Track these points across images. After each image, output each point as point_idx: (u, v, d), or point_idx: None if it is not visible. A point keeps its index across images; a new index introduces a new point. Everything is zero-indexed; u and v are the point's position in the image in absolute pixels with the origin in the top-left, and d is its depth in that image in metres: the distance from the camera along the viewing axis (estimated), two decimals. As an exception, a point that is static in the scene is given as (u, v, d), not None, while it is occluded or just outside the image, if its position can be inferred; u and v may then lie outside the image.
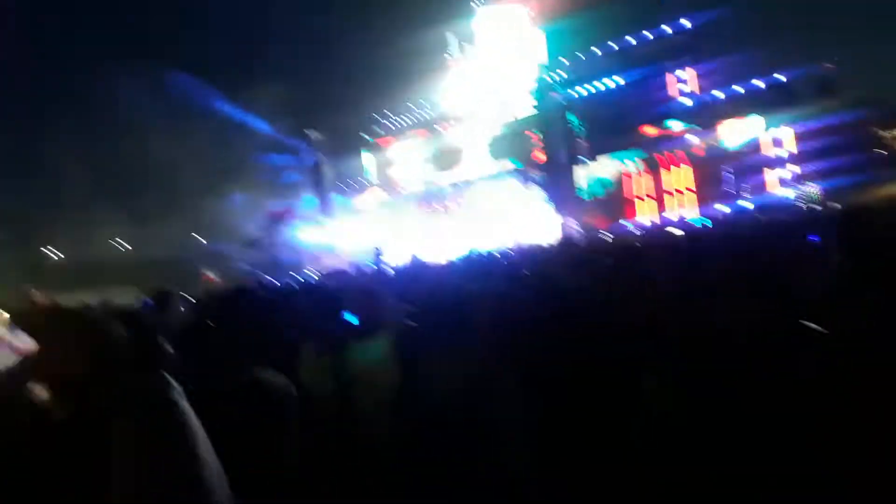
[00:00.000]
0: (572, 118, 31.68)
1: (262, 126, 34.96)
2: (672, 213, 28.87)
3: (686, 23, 29.50)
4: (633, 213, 30.26)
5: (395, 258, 17.51)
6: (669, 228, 15.76)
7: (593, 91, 31.87)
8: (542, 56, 33.75)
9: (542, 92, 31.44)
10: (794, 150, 27.33)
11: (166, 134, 30.08)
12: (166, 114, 30.55)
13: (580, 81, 31.99)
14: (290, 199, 33.74)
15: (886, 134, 33.22)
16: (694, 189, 29.05)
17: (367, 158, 40.02)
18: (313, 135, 36.93)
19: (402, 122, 38.44)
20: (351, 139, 39.43)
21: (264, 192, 32.97)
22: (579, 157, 31.59)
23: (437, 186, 36.21)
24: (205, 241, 31.56)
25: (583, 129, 31.88)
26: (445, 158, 35.84)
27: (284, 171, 35.77)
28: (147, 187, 33.17)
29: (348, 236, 35.50)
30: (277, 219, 20.43)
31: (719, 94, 29.30)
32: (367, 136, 39.59)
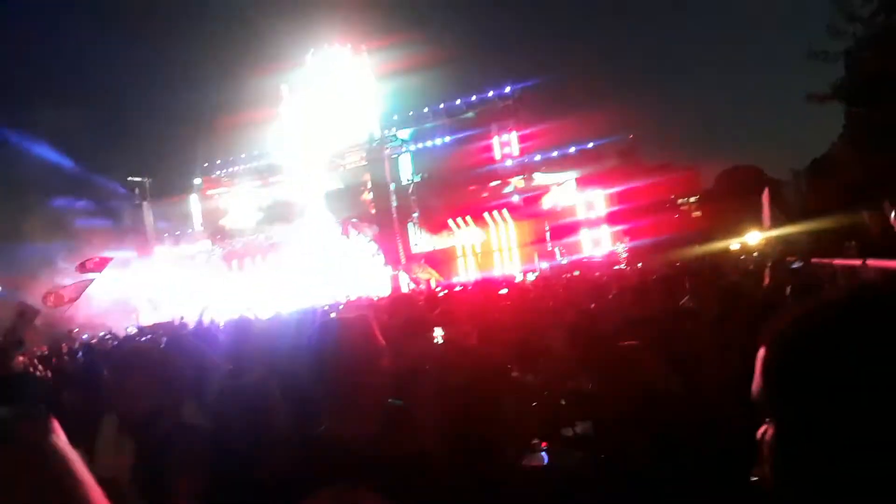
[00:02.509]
0: (403, 174, 32.64)
1: (77, 169, 32.75)
2: (497, 268, 30.36)
3: (508, 89, 31.58)
4: (461, 268, 31.44)
5: (223, 312, 16.96)
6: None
7: (423, 147, 33.08)
8: (376, 107, 34.33)
9: (374, 144, 32.12)
10: (604, 211, 29.90)
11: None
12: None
13: (412, 137, 33.11)
14: (107, 247, 31.63)
15: (682, 200, 37.15)
16: (516, 246, 30.81)
17: (195, 206, 38.48)
18: (137, 179, 35.18)
19: (234, 171, 37.53)
20: (178, 186, 37.85)
21: (77, 239, 30.68)
22: (412, 212, 32.50)
23: (268, 237, 35.53)
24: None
25: (414, 184, 32.90)
26: (279, 210, 35.30)
27: (102, 217, 33.56)
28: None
29: (172, 287, 33.79)
30: (91, 268, 18.99)
31: (538, 157, 31.54)
32: (196, 183, 38.13)
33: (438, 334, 4.48)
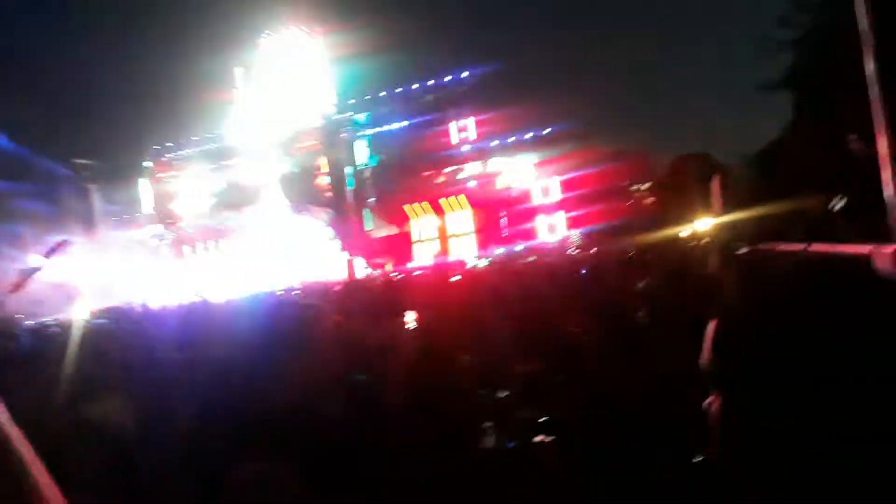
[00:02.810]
0: (359, 158, 32.40)
1: (19, 149, 31.61)
2: (453, 254, 30.41)
3: (465, 74, 31.50)
4: (417, 254, 31.42)
5: (174, 297, 16.67)
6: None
7: (379, 131, 32.85)
8: (331, 91, 33.96)
9: (330, 129, 31.76)
10: (559, 197, 30.15)
11: None
12: None
13: (368, 122, 32.83)
14: (51, 231, 30.64)
15: (635, 188, 37.72)
16: (473, 232, 30.92)
17: (145, 189, 37.56)
18: (83, 162, 34.15)
19: (186, 154, 36.72)
20: (127, 168, 36.86)
21: (22, 222, 29.66)
22: (367, 197, 32.30)
23: (220, 221, 34.93)
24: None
25: (370, 169, 32.68)
26: (232, 194, 34.69)
27: (46, 200, 32.49)
28: None
29: (121, 272, 32.99)
30: (56, 252, 18.61)
31: (494, 143, 31.60)
32: (146, 166, 37.20)
33: (408, 318, 4.51)
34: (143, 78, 37.33)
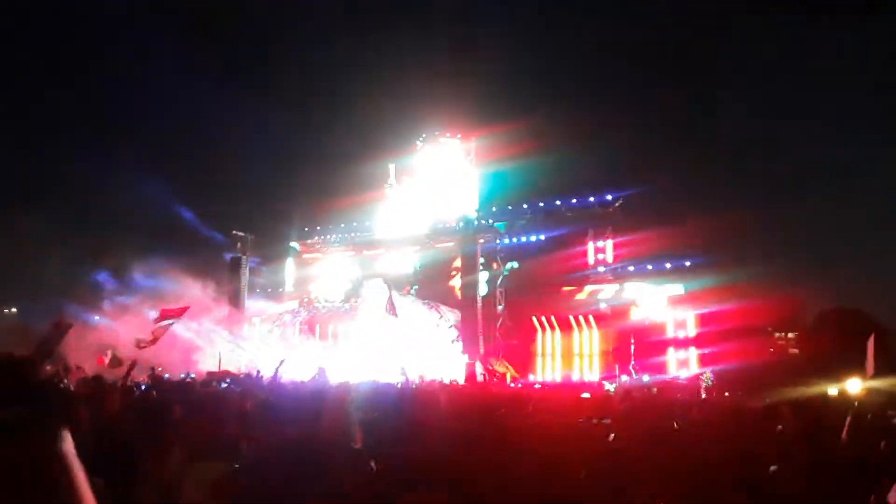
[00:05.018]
0: (494, 265, 32.82)
1: (189, 217, 34.75)
2: (575, 374, 29.68)
3: (610, 196, 31.51)
4: (538, 367, 30.92)
5: (299, 371, 17.27)
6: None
7: (516, 241, 33.24)
8: (475, 196, 35.01)
9: (468, 232, 32.48)
10: (693, 333, 28.88)
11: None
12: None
13: (506, 230, 33.35)
14: (204, 296, 32.93)
15: (778, 333, 35.53)
16: (598, 354, 30.10)
17: (289, 268, 39.93)
18: (240, 234, 36.85)
19: (332, 240, 38.85)
20: (277, 246, 39.42)
21: (175, 281, 32.15)
22: (497, 304, 32.46)
23: (354, 306, 36.17)
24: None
25: (503, 276, 32.96)
26: (369, 283, 35.99)
27: (202, 265, 35.14)
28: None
29: (256, 341, 34.75)
30: (170, 316, 20.20)
31: (632, 268, 31.05)
32: (294, 246, 39.65)
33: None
34: (307, 164, 40.23)
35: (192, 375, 20.39)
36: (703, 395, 20.07)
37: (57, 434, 1.45)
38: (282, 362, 10.74)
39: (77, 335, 25.56)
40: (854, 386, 12.57)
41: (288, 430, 3.49)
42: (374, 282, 34.60)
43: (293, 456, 3.16)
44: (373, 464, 3.18)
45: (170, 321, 20.25)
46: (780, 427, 5.99)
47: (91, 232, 36.28)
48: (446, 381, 18.93)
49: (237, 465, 3.45)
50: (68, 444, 1.45)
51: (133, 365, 9.57)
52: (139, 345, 18.87)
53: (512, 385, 22.66)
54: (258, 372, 14.21)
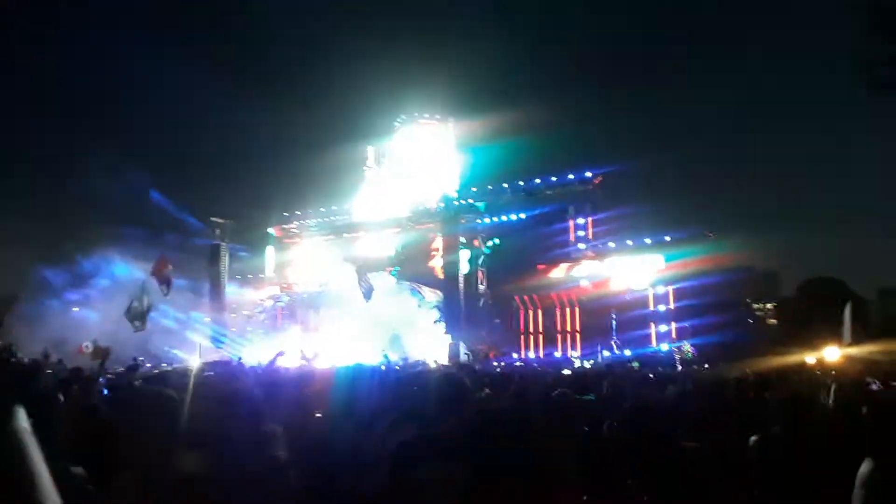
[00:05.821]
0: (474, 244, 32.83)
1: (166, 203, 34.35)
2: (557, 350, 29.90)
3: (589, 174, 31.58)
4: (523, 345, 31.11)
5: (281, 358, 17.18)
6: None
7: (497, 221, 33.22)
8: (455, 177, 34.87)
9: (448, 212, 32.36)
10: (673, 306, 29.17)
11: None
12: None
13: (487, 210, 33.29)
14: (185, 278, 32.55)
15: (756, 305, 35.94)
16: (580, 330, 30.33)
17: (269, 254, 39.58)
18: (218, 220, 36.43)
19: (310, 224, 38.52)
20: (256, 232, 39.03)
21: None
22: (478, 284, 32.49)
23: (334, 290, 35.99)
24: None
25: (484, 256, 32.96)
26: (349, 267, 35.76)
27: (180, 251, 34.72)
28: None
29: (234, 327, 34.54)
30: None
31: (612, 244, 31.23)
32: (272, 232, 39.27)
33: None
34: (284, 149, 39.94)
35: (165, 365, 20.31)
36: (680, 368, 20.31)
37: (6, 409, 1.43)
38: (279, 354, 10.71)
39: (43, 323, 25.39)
40: (832, 354, 12.83)
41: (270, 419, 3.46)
42: (347, 268, 34.46)
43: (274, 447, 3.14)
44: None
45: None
46: (754, 395, 6.06)
47: (63, 218, 35.72)
48: (430, 363, 18.97)
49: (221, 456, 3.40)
50: (21, 421, 1.43)
51: (108, 354, 9.39)
52: (83, 350, 17.88)
53: (495, 364, 22.77)
54: (239, 359, 14.17)
